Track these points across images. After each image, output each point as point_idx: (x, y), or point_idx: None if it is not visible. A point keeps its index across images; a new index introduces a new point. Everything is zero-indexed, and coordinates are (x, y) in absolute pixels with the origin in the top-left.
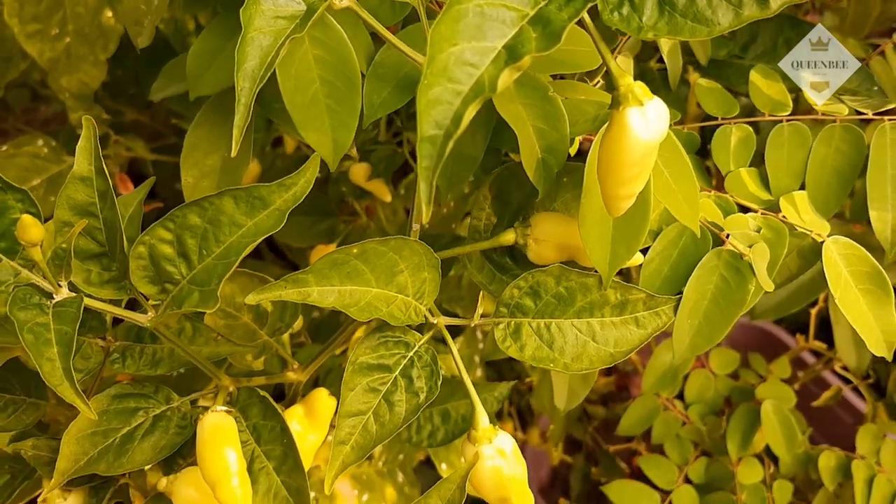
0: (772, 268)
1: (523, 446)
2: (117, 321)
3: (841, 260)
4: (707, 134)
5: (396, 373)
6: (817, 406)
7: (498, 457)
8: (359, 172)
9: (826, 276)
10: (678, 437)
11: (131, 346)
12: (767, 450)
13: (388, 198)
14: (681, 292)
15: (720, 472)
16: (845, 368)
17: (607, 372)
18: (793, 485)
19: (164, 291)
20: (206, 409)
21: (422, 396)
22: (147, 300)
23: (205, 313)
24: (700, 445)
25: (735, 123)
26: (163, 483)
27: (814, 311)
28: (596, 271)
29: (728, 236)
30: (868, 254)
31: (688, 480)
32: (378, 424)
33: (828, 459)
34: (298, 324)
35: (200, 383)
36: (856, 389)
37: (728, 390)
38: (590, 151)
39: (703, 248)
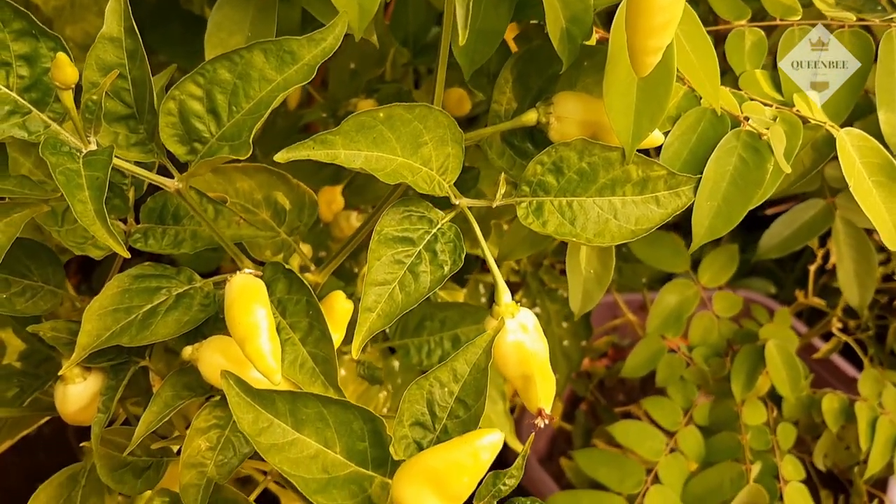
0: (787, 159)
1: (523, 414)
2: (138, 205)
3: (854, 151)
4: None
5: (420, 247)
6: (817, 359)
7: (520, 331)
8: (365, 108)
9: (840, 165)
10: (682, 380)
11: (153, 228)
12: (770, 394)
13: None
14: (700, 175)
15: (725, 413)
16: (843, 330)
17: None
18: (795, 428)
19: (192, 152)
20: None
21: (446, 268)
22: (173, 168)
23: (227, 200)
24: (703, 388)
25: (748, 27)
26: (188, 351)
27: (812, 268)
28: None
29: (747, 119)
30: (880, 146)
31: (692, 423)
32: (403, 294)
33: (831, 402)
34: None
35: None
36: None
37: (731, 333)
38: (617, 11)
39: (721, 131)
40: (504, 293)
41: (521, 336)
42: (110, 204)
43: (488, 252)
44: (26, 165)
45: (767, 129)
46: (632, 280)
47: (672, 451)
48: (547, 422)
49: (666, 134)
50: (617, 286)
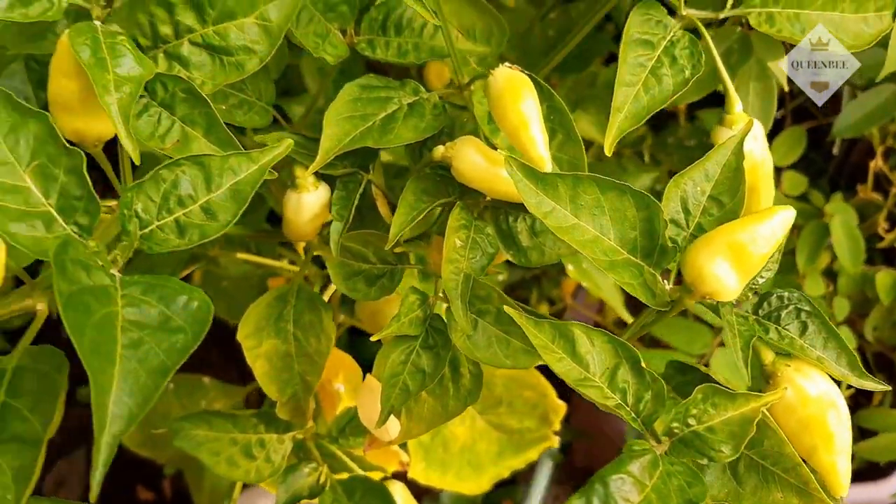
0: None
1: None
2: (361, 14)
3: None
4: None
5: (659, 51)
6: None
7: (750, 139)
8: None
9: None
10: None
11: (376, 38)
12: (827, 272)
13: None
14: None
15: (788, 285)
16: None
17: None
18: (849, 303)
19: None
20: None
21: (687, 72)
22: None
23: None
24: None
25: None
26: (440, 151)
27: (872, 163)
28: None
29: None
30: None
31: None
32: (648, 96)
33: (884, 278)
34: None
35: None
36: None
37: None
38: None
39: None
40: (736, 102)
41: (750, 144)
42: (336, 10)
43: (719, 61)
44: None
45: None
46: None
47: None
48: None
49: None
50: None
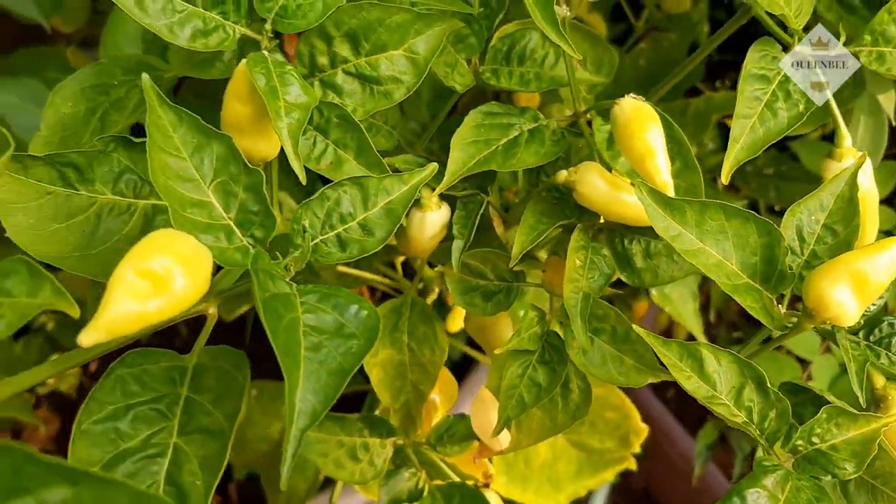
0: None
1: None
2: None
3: None
4: None
5: (774, 85)
6: None
7: (860, 172)
8: None
9: None
10: None
11: (500, 68)
12: None
13: None
14: None
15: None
16: None
17: None
18: None
19: None
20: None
21: (801, 107)
22: None
23: None
24: None
25: None
26: (563, 175)
27: None
28: None
29: None
30: None
31: None
32: (763, 128)
33: None
34: None
35: None
36: None
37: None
38: None
39: None
40: (846, 137)
41: (860, 176)
42: (465, 42)
43: (831, 96)
44: None
45: None
46: None
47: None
48: None
49: None
50: None
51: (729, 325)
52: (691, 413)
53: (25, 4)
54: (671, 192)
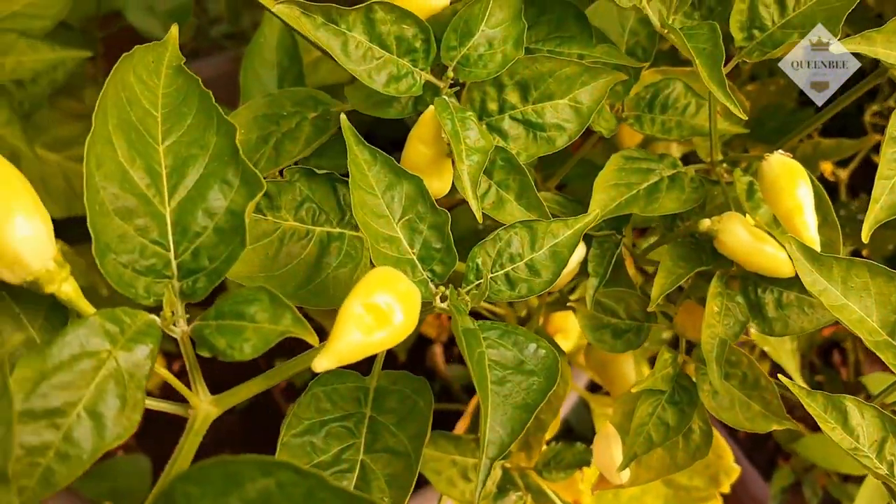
0: None
1: None
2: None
3: None
4: None
5: None
6: None
7: None
8: None
9: None
10: None
11: (643, 115)
12: None
13: None
14: None
15: None
16: None
17: None
18: None
19: (750, 38)
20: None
21: None
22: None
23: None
24: None
25: None
26: (706, 224)
27: None
28: None
29: None
30: None
31: None
32: None
33: None
34: None
35: None
36: None
37: None
38: None
39: None
40: None
41: None
42: (613, 89)
43: None
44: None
45: None
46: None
47: None
48: None
49: None
50: None
51: (810, 367)
52: (763, 455)
53: (152, 23)
54: (818, 248)
